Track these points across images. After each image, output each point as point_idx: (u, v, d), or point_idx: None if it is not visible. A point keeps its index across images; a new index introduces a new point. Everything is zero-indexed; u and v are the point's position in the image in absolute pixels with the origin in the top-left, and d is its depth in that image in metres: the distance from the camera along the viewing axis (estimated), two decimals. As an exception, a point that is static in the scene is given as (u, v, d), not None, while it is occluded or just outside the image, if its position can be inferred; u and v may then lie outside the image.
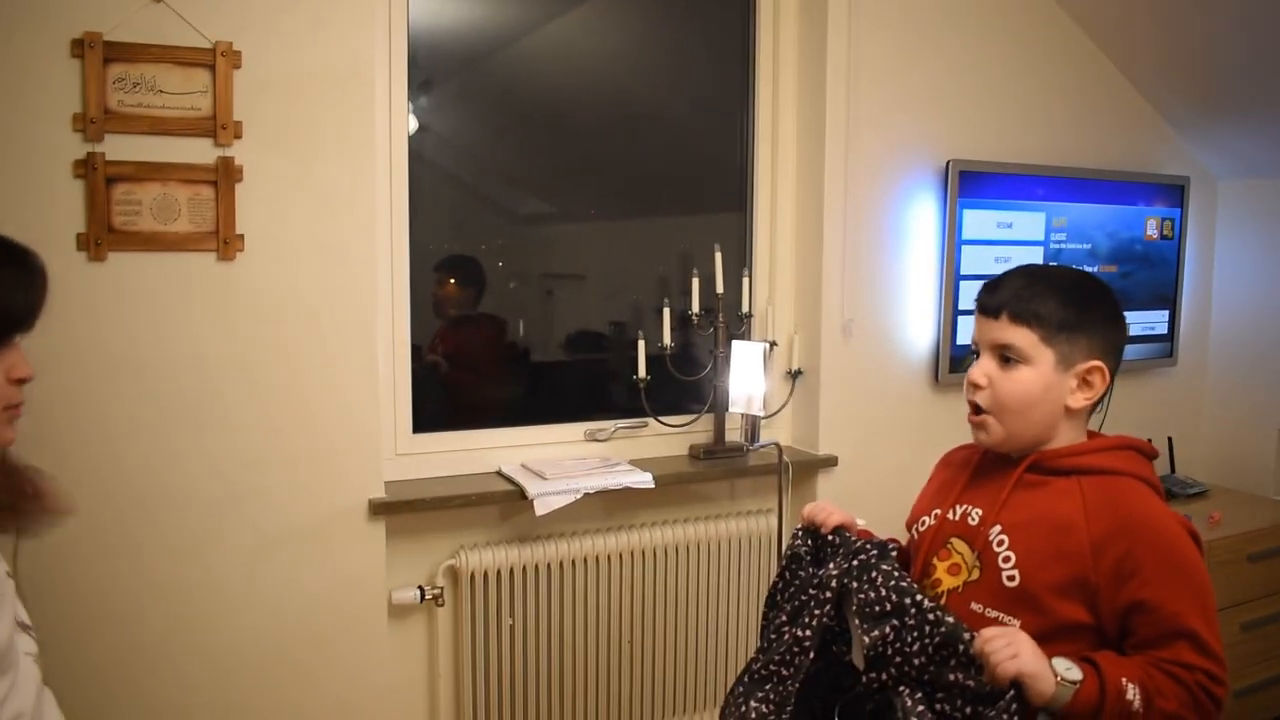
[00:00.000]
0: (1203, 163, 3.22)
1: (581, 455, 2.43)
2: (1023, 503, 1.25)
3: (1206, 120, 3.04)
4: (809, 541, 1.37)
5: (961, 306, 2.71)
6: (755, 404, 2.40)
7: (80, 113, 1.80)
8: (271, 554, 2.01)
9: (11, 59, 1.75)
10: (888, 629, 1.19)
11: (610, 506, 2.39)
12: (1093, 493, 1.21)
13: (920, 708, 1.15)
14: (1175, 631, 1.13)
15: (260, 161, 1.94)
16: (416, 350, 2.30)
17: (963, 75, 2.72)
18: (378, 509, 2.09)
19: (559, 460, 2.38)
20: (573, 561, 2.29)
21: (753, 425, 2.49)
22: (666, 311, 2.45)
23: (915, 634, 1.17)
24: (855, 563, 1.26)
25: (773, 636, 1.34)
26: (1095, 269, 2.95)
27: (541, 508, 2.16)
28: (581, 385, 2.65)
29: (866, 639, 1.20)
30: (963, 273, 2.70)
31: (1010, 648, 1.09)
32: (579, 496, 2.19)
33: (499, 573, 2.22)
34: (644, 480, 2.28)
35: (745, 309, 2.55)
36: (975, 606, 1.24)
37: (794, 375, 2.62)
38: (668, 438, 2.54)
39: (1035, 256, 2.84)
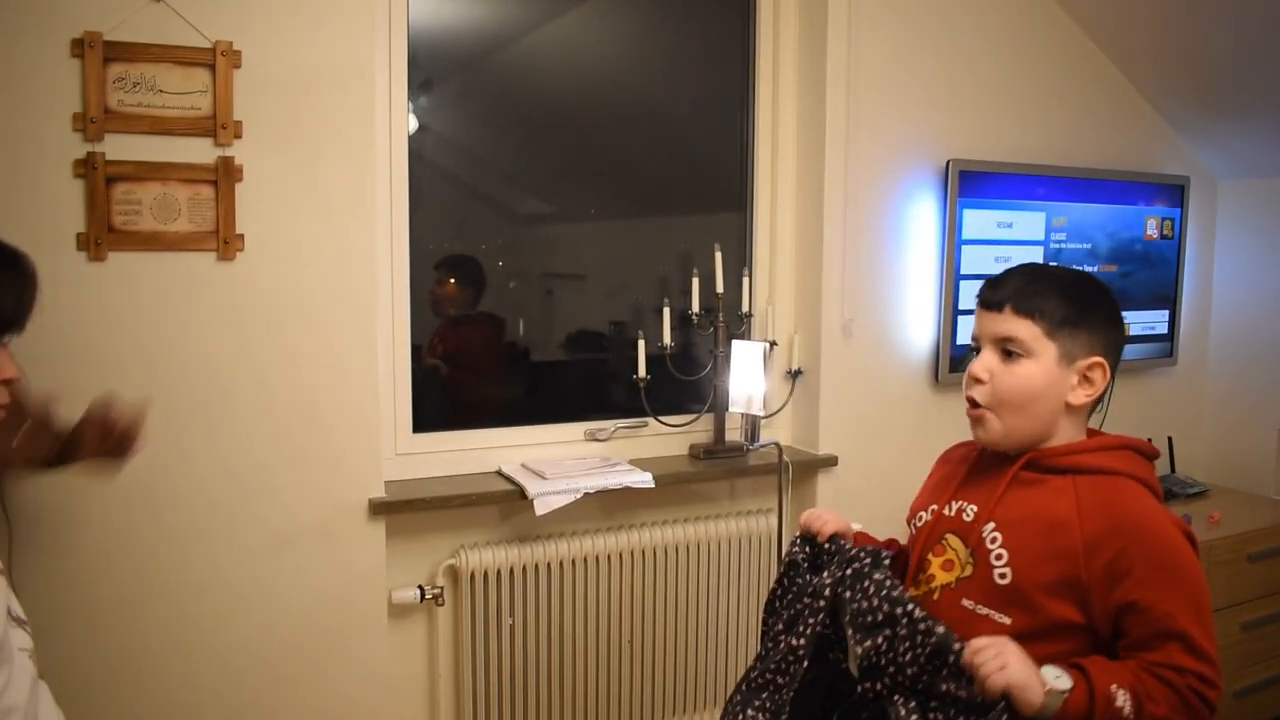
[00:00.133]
0: (1203, 162, 3.22)
1: (581, 455, 2.43)
2: (1017, 500, 1.25)
3: (1207, 120, 3.04)
4: (807, 549, 1.37)
5: (962, 306, 2.71)
6: (755, 404, 2.40)
7: (80, 112, 1.80)
8: (271, 553, 2.01)
9: (12, 58, 1.75)
10: (880, 639, 1.19)
11: (610, 506, 2.39)
12: (1088, 492, 1.21)
13: (914, 717, 1.15)
14: (1167, 633, 1.12)
15: (260, 161, 1.94)
16: (416, 350, 2.30)
17: (963, 75, 2.72)
18: (378, 508, 2.09)
19: (559, 460, 2.38)
20: (573, 561, 2.29)
21: (753, 425, 2.49)
22: (666, 311, 2.46)
23: (907, 644, 1.17)
24: (849, 571, 1.26)
25: (770, 645, 1.34)
26: (1095, 269, 2.95)
27: (541, 507, 2.16)
28: (581, 385, 2.65)
29: (859, 649, 1.20)
30: (963, 272, 2.70)
31: (998, 659, 1.09)
32: (579, 496, 2.19)
33: (499, 572, 2.22)
34: (644, 480, 2.28)
35: (745, 309, 2.55)
36: (967, 603, 1.24)
37: (794, 375, 2.62)
38: (668, 437, 2.54)
39: (1035, 256, 2.84)
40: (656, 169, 2.69)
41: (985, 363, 1.28)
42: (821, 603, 1.27)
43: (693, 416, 2.56)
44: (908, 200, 2.66)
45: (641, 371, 2.43)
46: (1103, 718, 1.09)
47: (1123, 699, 1.09)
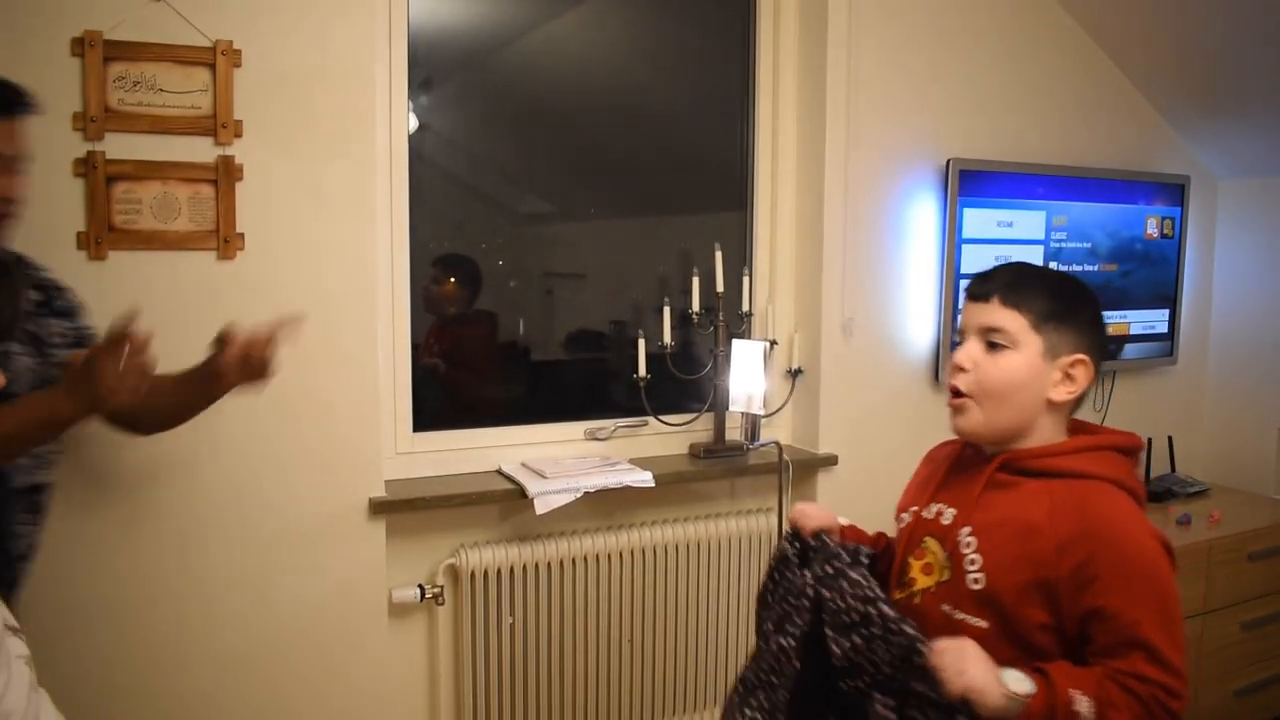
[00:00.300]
0: (1203, 162, 3.22)
1: (582, 454, 2.43)
2: (993, 504, 1.25)
3: (1207, 119, 3.05)
4: (795, 544, 1.37)
5: (962, 306, 2.70)
6: (755, 403, 2.40)
7: (80, 111, 1.80)
8: (272, 553, 2.01)
9: (12, 58, 1.74)
10: (858, 639, 1.19)
11: (610, 505, 2.39)
12: (1062, 496, 1.20)
13: (893, 716, 1.16)
14: (1132, 641, 1.11)
15: (260, 160, 1.94)
16: (416, 349, 2.30)
17: (963, 74, 2.72)
18: (378, 508, 2.09)
19: (559, 459, 2.38)
20: (573, 560, 2.29)
21: (753, 424, 2.49)
22: (667, 310, 2.46)
23: (882, 644, 1.17)
24: (829, 569, 1.26)
25: (763, 644, 1.35)
26: (1095, 268, 2.95)
27: (541, 506, 2.16)
28: (582, 384, 2.65)
29: (838, 649, 1.21)
30: (963, 271, 2.70)
31: (957, 663, 1.10)
32: (579, 495, 2.19)
33: (499, 571, 2.22)
34: (644, 479, 2.28)
35: (745, 308, 2.55)
36: (945, 608, 1.24)
37: (794, 374, 2.62)
38: (668, 437, 2.54)
39: (1036, 255, 2.84)
40: (657, 168, 2.69)
41: (969, 352, 1.28)
42: (806, 602, 1.28)
43: (693, 416, 2.56)
44: (908, 199, 2.66)
45: (642, 371, 2.43)
46: None
47: (1084, 705, 1.08)
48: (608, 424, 2.48)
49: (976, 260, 2.71)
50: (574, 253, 2.64)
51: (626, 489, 2.27)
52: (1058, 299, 1.27)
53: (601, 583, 2.33)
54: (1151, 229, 3.06)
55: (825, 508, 1.39)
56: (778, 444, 2.35)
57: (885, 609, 1.18)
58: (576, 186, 2.65)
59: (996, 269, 1.33)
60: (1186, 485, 3.06)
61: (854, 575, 1.23)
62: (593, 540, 2.32)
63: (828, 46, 2.51)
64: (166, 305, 1.89)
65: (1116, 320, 3.02)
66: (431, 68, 2.31)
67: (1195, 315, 3.26)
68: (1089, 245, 2.93)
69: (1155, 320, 3.11)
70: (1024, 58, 2.82)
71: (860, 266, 2.60)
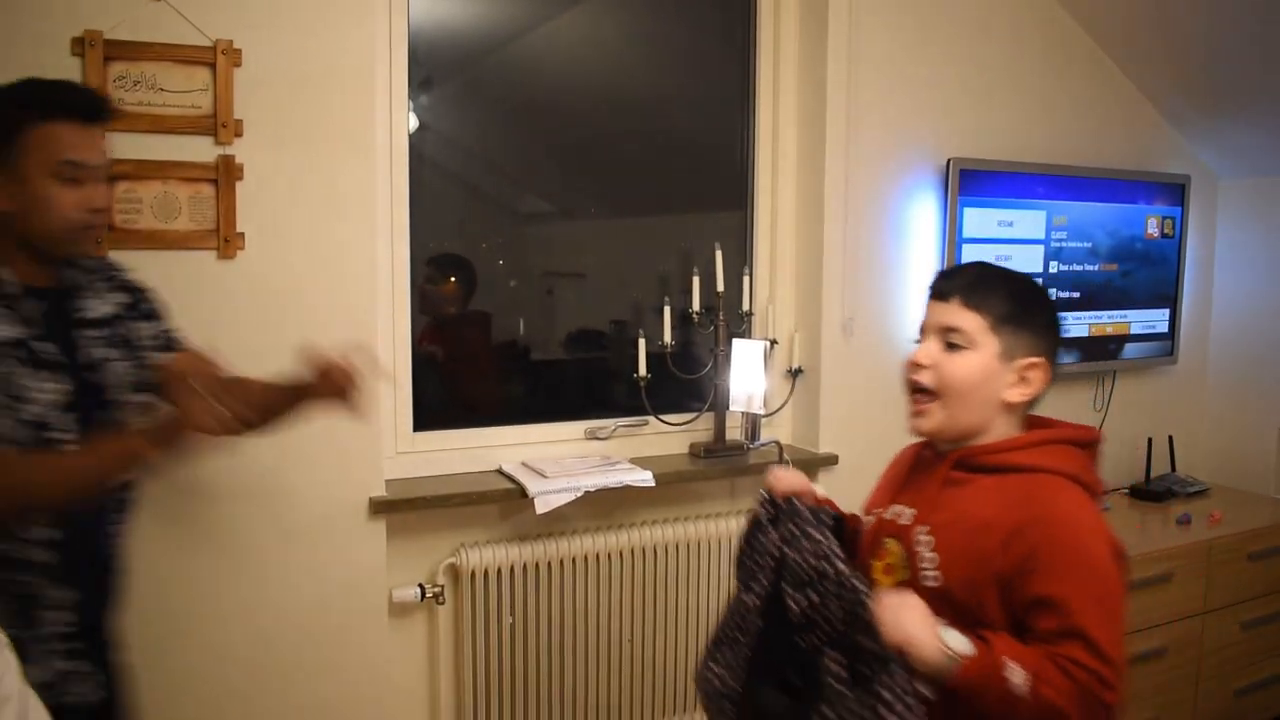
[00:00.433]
0: (1203, 161, 3.21)
1: (582, 453, 2.43)
2: (948, 502, 1.27)
3: (1207, 119, 3.04)
4: (769, 508, 1.38)
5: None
6: (756, 402, 2.40)
7: (81, 111, 1.80)
8: (272, 552, 2.01)
9: (12, 57, 1.74)
10: (814, 594, 1.22)
11: (611, 505, 2.39)
12: (1012, 490, 1.22)
13: (843, 672, 1.17)
14: (1068, 630, 1.12)
15: (261, 160, 1.94)
16: (416, 348, 2.30)
17: (963, 73, 2.72)
18: (378, 507, 2.09)
19: (559, 458, 2.38)
20: (573, 560, 2.29)
21: (753, 424, 2.49)
22: (667, 310, 2.45)
23: (835, 599, 1.20)
24: (793, 529, 1.29)
25: (732, 603, 1.39)
26: (1096, 267, 2.95)
27: (542, 506, 2.16)
28: (582, 384, 2.65)
29: (795, 606, 1.24)
30: (963, 271, 2.70)
31: (896, 614, 1.13)
32: (579, 495, 2.19)
33: (499, 571, 2.22)
34: (644, 479, 2.28)
35: (746, 307, 2.55)
36: None
37: (794, 374, 2.62)
38: (668, 436, 2.54)
39: (1036, 255, 2.84)
40: (657, 167, 2.69)
41: (928, 350, 1.30)
42: (771, 561, 1.31)
43: (693, 415, 2.56)
44: (908, 199, 2.66)
45: (642, 370, 2.43)
46: (996, 688, 1.10)
47: (1018, 676, 1.09)
48: (608, 423, 2.48)
49: (977, 259, 2.71)
50: (574, 252, 2.64)
51: (627, 488, 2.27)
52: (1017, 302, 1.29)
53: (602, 582, 2.33)
54: (1152, 228, 3.06)
55: (802, 475, 1.40)
56: (778, 443, 2.36)
57: (840, 565, 1.21)
58: (577, 186, 2.65)
59: (959, 268, 1.36)
60: (1187, 485, 3.06)
61: (814, 534, 1.26)
62: (593, 540, 2.32)
63: (828, 46, 2.51)
64: (167, 304, 1.89)
65: (1117, 320, 3.02)
66: (432, 67, 2.31)
67: (1196, 315, 3.26)
68: (1089, 245, 2.93)
69: (1155, 320, 3.11)
70: (1025, 57, 2.82)
71: (860, 266, 2.60)
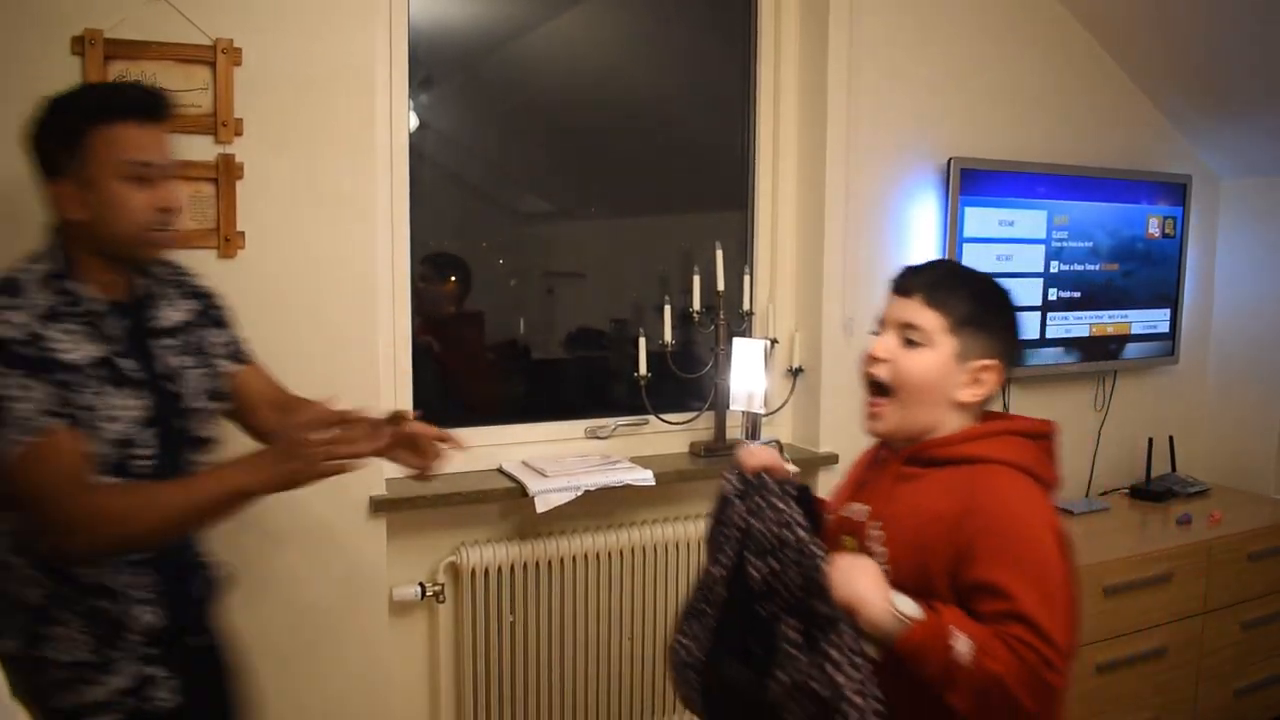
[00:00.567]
0: (1205, 162, 3.21)
1: (582, 453, 2.43)
2: (900, 496, 1.29)
3: (1209, 119, 3.04)
4: (740, 483, 1.38)
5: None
6: (756, 401, 2.40)
7: (81, 110, 1.80)
8: (273, 551, 2.01)
9: (12, 56, 1.74)
10: (774, 562, 1.24)
11: (611, 504, 2.39)
12: (958, 481, 1.23)
13: (800, 638, 1.18)
14: (1011, 614, 1.12)
15: (261, 159, 1.94)
16: (415, 347, 2.30)
17: (964, 73, 2.72)
18: (379, 506, 2.10)
19: (560, 457, 2.38)
20: (573, 559, 2.29)
21: (753, 423, 2.49)
22: (667, 309, 2.45)
23: (795, 566, 1.21)
24: (758, 501, 1.30)
25: (701, 575, 1.40)
26: (1097, 267, 2.95)
27: (542, 505, 2.16)
28: (582, 383, 2.65)
29: (756, 574, 1.25)
30: (964, 271, 2.70)
31: (847, 574, 1.14)
32: (579, 494, 2.20)
33: (500, 570, 2.22)
34: (645, 478, 2.28)
35: (746, 306, 2.55)
36: None
37: (795, 373, 2.62)
38: (668, 435, 2.54)
39: (1037, 254, 2.84)
40: (657, 167, 2.69)
41: (886, 344, 1.31)
42: (737, 532, 1.32)
43: (694, 414, 2.56)
44: (909, 198, 2.66)
45: (642, 369, 2.43)
46: (940, 656, 1.10)
47: (964, 645, 1.10)
48: (608, 422, 2.48)
49: (978, 259, 2.71)
50: (574, 251, 2.64)
51: (627, 487, 2.27)
52: (978, 303, 1.30)
53: (602, 581, 2.33)
54: (1153, 228, 3.05)
55: (773, 451, 1.41)
56: (778, 442, 2.36)
57: (800, 532, 1.22)
58: (577, 185, 2.65)
59: (925, 265, 1.36)
60: (1187, 485, 3.06)
61: (778, 504, 1.27)
62: (593, 539, 2.32)
63: (829, 45, 2.51)
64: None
65: (1118, 320, 3.02)
66: (432, 66, 2.31)
67: (1197, 315, 3.26)
68: (1090, 244, 2.93)
69: (1156, 320, 3.11)
70: (1026, 56, 2.82)
71: (861, 265, 2.59)
